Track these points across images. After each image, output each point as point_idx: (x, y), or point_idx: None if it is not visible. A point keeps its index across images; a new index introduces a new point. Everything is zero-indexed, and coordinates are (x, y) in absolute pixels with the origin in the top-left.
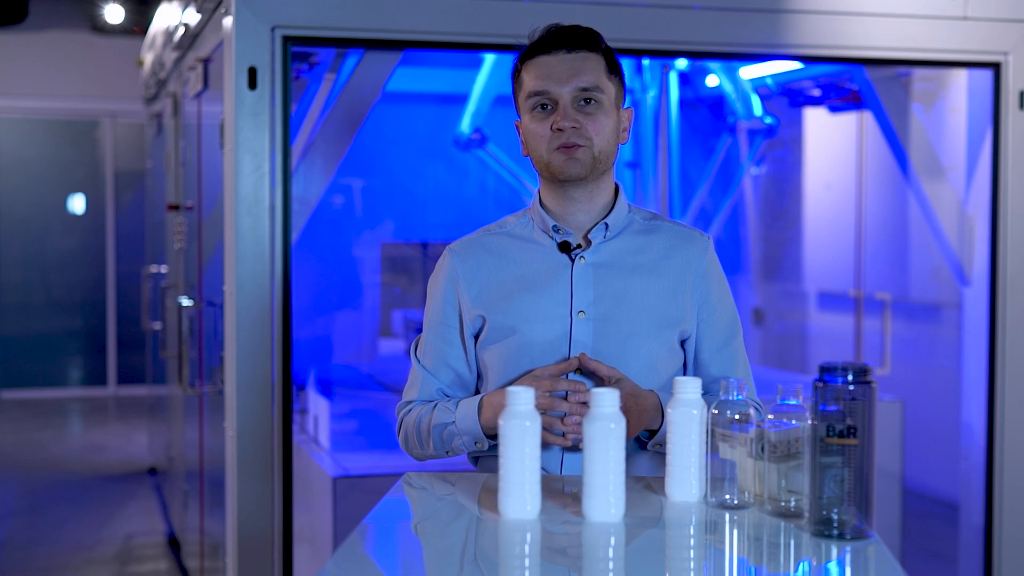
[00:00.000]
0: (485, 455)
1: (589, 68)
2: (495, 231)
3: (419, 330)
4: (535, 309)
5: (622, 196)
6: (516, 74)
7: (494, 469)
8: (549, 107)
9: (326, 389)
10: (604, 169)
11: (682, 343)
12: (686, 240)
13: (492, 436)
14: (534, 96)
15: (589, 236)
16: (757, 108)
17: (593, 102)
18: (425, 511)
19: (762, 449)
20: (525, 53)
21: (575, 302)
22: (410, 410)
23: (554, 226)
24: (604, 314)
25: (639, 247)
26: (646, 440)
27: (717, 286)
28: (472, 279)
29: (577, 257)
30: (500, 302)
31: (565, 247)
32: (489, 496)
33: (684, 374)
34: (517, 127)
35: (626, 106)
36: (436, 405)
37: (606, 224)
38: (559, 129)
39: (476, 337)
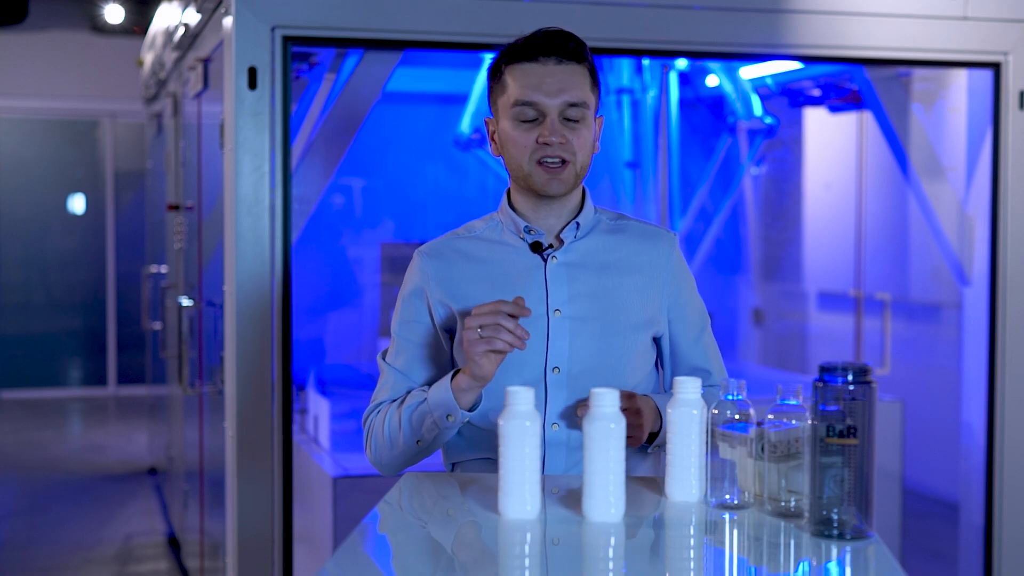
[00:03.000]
0: (465, 460)
1: (577, 83)
2: (463, 235)
3: None
4: None
5: (588, 197)
6: (497, 74)
7: (474, 472)
8: (535, 118)
9: (326, 389)
10: (579, 182)
11: (654, 340)
12: (653, 238)
13: (468, 409)
14: (521, 105)
15: (561, 236)
16: (757, 108)
17: (578, 116)
18: (424, 511)
19: (762, 449)
20: (510, 55)
21: (550, 301)
22: (378, 411)
23: (526, 227)
24: (580, 312)
25: (608, 246)
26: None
27: (686, 282)
28: (442, 280)
29: (549, 257)
30: (473, 303)
31: (537, 247)
32: (489, 496)
33: (657, 370)
34: (487, 124)
35: (597, 115)
36: (407, 394)
37: (577, 223)
38: (545, 143)
39: (451, 338)
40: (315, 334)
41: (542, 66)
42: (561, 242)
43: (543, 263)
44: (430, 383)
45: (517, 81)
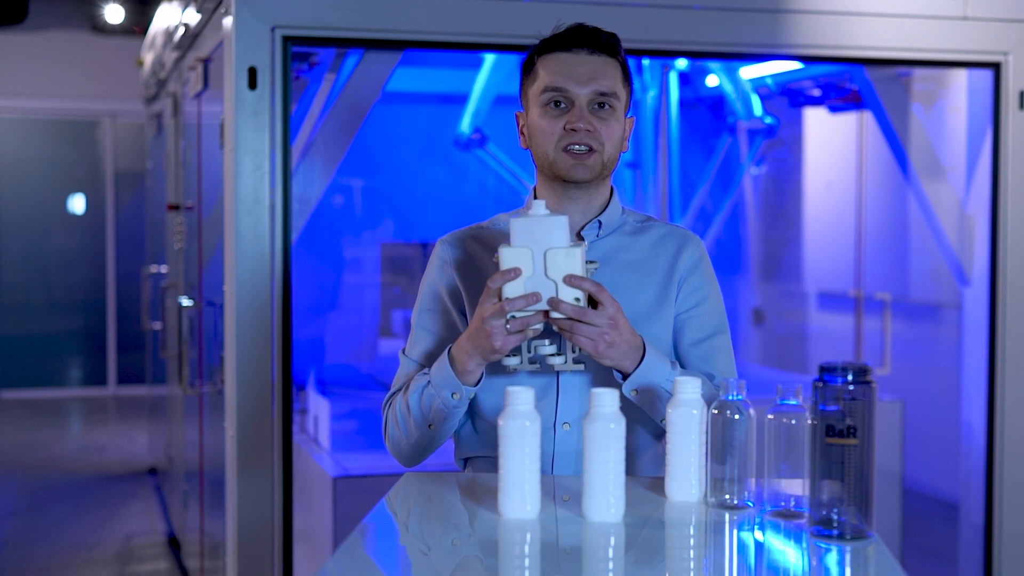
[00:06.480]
0: (476, 457)
1: (608, 73)
2: (487, 227)
3: None
4: None
5: (616, 198)
6: (529, 66)
7: (485, 469)
8: (563, 105)
9: (326, 389)
10: (607, 174)
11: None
12: (675, 238)
13: (470, 384)
14: (550, 91)
15: (581, 233)
16: (757, 108)
17: (607, 107)
18: (424, 511)
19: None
20: (544, 47)
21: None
22: (390, 404)
23: None
24: None
25: (629, 246)
26: (620, 383)
27: (706, 282)
28: (460, 268)
29: None
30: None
31: None
32: (489, 496)
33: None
34: (517, 118)
35: (629, 115)
36: (410, 380)
37: (599, 222)
38: (572, 129)
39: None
40: (315, 334)
41: (574, 55)
42: (581, 239)
43: None
44: None
45: (548, 69)
